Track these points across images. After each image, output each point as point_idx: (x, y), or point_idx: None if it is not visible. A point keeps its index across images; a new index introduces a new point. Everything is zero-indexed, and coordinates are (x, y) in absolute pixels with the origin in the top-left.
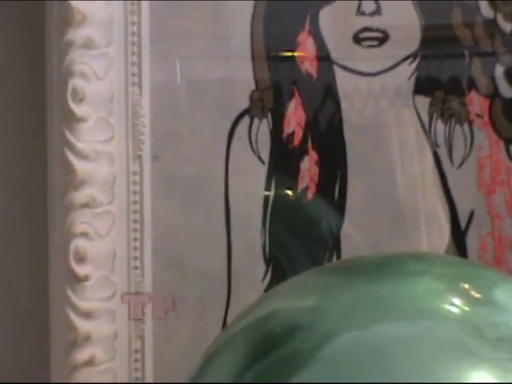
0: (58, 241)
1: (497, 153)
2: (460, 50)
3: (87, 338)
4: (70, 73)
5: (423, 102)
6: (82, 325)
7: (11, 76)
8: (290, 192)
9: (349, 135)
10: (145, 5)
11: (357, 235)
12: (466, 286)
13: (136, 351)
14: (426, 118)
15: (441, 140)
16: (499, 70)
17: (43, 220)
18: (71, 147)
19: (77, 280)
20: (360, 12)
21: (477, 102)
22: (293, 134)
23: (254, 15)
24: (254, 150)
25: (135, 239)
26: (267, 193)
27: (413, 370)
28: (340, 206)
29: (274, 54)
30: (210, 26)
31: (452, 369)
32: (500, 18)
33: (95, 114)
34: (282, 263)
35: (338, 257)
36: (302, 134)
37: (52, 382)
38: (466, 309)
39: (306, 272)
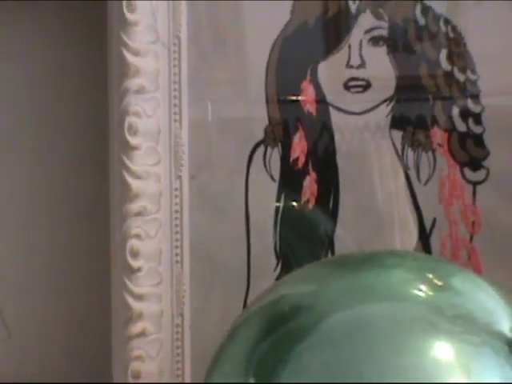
0: (118, 241)
1: (454, 174)
2: (425, 95)
3: (140, 316)
4: (127, 112)
5: (397, 135)
6: (136, 305)
7: (81, 115)
8: (295, 203)
9: (340, 160)
10: (184, 59)
11: (347, 237)
12: (431, 275)
13: (177, 325)
14: (399, 147)
15: (411, 164)
16: (455, 111)
17: (106, 225)
18: (127, 169)
19: (132, 271)
20: (349, 66)
21: (438, 135)
22: (297, 159)
23: (267, 67)
24: (267, 171)
25: (176, 240)
26: (278, 204)
27: (390, 339)
28: (334, 215)
29: (283, 97)
30: (234, 76)
31: (420, 338)
32: (456, 71)
33: (146, 143)
34: (289, 258)
35: (332, 254)
36: (305, 159)
37: (112, 353)
38: (430, 293)
39: (307, 265)
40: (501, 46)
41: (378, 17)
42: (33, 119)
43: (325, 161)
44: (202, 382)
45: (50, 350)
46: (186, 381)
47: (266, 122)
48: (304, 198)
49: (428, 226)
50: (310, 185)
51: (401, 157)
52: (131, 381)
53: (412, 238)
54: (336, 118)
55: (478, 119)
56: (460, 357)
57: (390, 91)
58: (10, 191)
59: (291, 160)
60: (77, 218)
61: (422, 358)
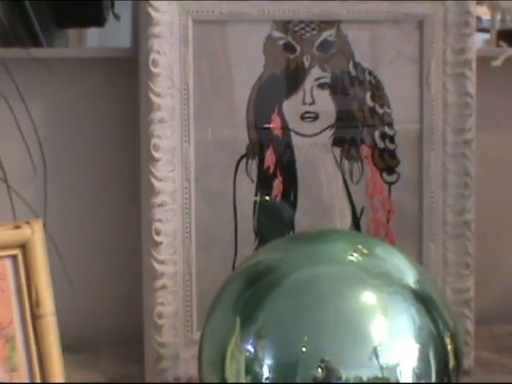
0: (146, 224)
1: (375, 177)
2: (356, 124)
3: (162, 275)
4: (152, 136)
5: (337, 150)
6: (159, 268)
7: (123, 138)
8: (267, 198)
9: (298, 168)
10: (191, 99)
11: (303, 221)
12: (360, 246)
13: (187, 281)
14: (338, 159)
15: (346, 170)
16: (377, 134)
17: (138, 213)
18: (153, 174)
19: (156, 244)
20: (304, 103)
21: (365, 150)
22: (269, 167)
23: (248, 104)
24: (248, 176)
25: (186, 223)
26: (255, 198)
27: (333, 290)
28: (294, 205)
29: (259, 125)
30: (225, 110)
31: (353, 289)
32: (377, 106)
33: (165, 157)
34: (263, 236)
35: (293, 232)
36: (274, 167)
37: (144, 299)
38: (360, 258)
39: (276, 240)
40: (406, 89)
41: (324, 70)
42: (87, 142)
43: (288, 168)
44: (205, 320)
45: (103, 299)
46: (194, 318)
47: (248, 141)
48: (273, 194)
49: (358, 212)
50: (277, 185)
51: (339, 165)
52: (156, 318)
53: (347, 221)
54: (295, 139)
55: (392, 139)
56: (380, 301)
57: (332, 121)
58: (77, 192)
59: (264, 168)
60: (120, 209)
61: (355, 302)
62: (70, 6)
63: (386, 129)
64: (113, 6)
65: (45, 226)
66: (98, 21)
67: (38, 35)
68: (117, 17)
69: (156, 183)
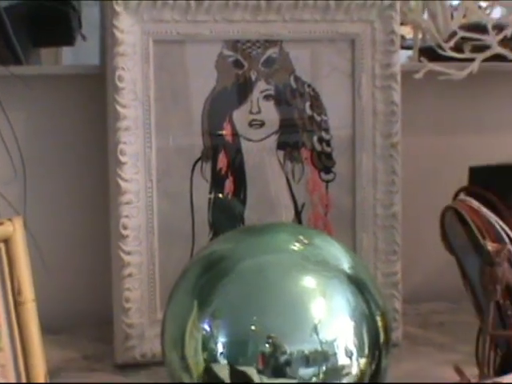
0: (114, 219)
1: (314, 176)
2: (297, 130)
3: (128, 264)
4: (119, 142)
5: (281, 153)
6: (126, 258)
7: (92, 145)
8: (220, 195)
9: (247, 169)
10: (153, 110)
11: (252, 215)
12: (301, 237)
13: (151, 270)
14: (282, 161)
15: (289, 170)
16: (315, 138)
17: (107, 210)
18: (119, 176)
19: (123, 237)
20: (251, 112)
21: (305, 153)
22: (221, 168)
23: (203, 114)
24: (203, 176)
25: (150, 218)
26: (210, 196)
27: (278, 276)
28: (244, 202)
29: (213, 132)
30: (183, 120)
31: (295, 274)
32: (315, 115)
33: (130, 160)
34: (217, 228)
35: (243, 225)
36: (226, 168)
37: (113, 286)
38: (301, 248)
39: (227, 232)
40: (340, 99)
41: (268, 83)
42: (62, 148)
43: (238, 170)
44: (167, 303)
45: (77, 286)
46: (157, 302)
47: (202, 147)
48: (226, 192)
49: (300, 207)
50: (229, 184)
51: (283, 166)
52: (124, 302)
53: (291, 215)
54: (244, 144)
55: (328, 143)
56: (320, 285)
57: (276, 127)
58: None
59: (217, 169)
60: (92, 206)
61: (297, 285)
62: (43, 27)
63: (323, 134)
64: (80, 27)
65: (25, 222)
66: (69, 41)
67: (19, 54)
68: (84, 37)
69: (122, 184)
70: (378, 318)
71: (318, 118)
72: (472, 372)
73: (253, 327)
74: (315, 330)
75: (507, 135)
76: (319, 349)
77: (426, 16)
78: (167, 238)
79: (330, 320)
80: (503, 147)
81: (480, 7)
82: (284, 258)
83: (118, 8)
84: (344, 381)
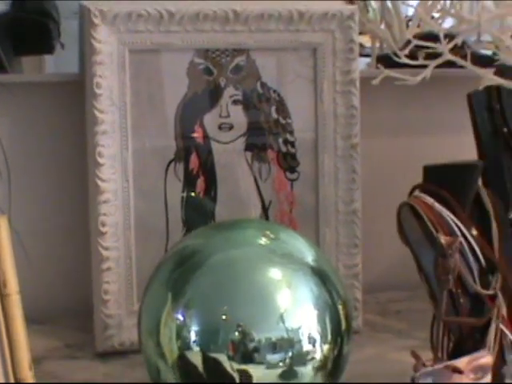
0: (93, 217)
1: (280, 175)
2: (264, 132)
3: (107, 258)
4: (97, 145)
5: (249, 154)
6: (105, 253)
7: (72, 147)
8: (193, 193)
9: (217, 169)
10: (129, 114)
11: (222, 212)
12: (268, 232)
13: (128, 264)
14: (250, 161)
15: (256, 170)
16: (280, 140)
17: (87, 208)
18: (98, 176)
19: (102, 234)
20: (221, 116)
21: (271, 154)
22: (193, 169)
23: (175, 118)
24: (176, 176)
25: (127, 216)
26: (183, 194)
27: (246, 268)
28: (214, 200)
29: (186, 135)
30: (158, 123)
31: (263, 267)
32: (280, 118)
33: (108, 162)
34: (189, 225)
35: (214, 221)
36: (197, 169)
37: (92, 279)
38: (268, 242)
39: (199, 228)
40: (304, 104)
41: (237, 89)
42: (44, 151)
43: (209, 170)
44: (143, 295)
45: (59, 280)
46: (134, 294)
47: (175, 148)
48: (198, 191)
49: (267, 205)
50: (200, 183)
51: (251, 166)
52: (103, 294)
53: (258, 212)
54: (215, 146)
55: (293, 145)
56: (285, 277)
57: (244, 130)
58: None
59: (190, 169)
60: (72, 205)
61: (264, 277)
62: (25, 37)
63: (288, 136)
64: (59, 36)
65: (10, 220)
66: (48, 49)
67: (4, 62)
68: (62, 46)
69: (101, 184)
70: (340, 307)
71: (283, 121)
72: (427, 356)
73: (223, 316)
74: (281, 318)
75: (459, 136)
76: (285, 336)
77: (383, 26)
78: (143, 235)
79: (295, 309)
80: (455, 147)
81: (433, 18)
82: (252, 251)
83: (96, 20)
84: (309, 365)
